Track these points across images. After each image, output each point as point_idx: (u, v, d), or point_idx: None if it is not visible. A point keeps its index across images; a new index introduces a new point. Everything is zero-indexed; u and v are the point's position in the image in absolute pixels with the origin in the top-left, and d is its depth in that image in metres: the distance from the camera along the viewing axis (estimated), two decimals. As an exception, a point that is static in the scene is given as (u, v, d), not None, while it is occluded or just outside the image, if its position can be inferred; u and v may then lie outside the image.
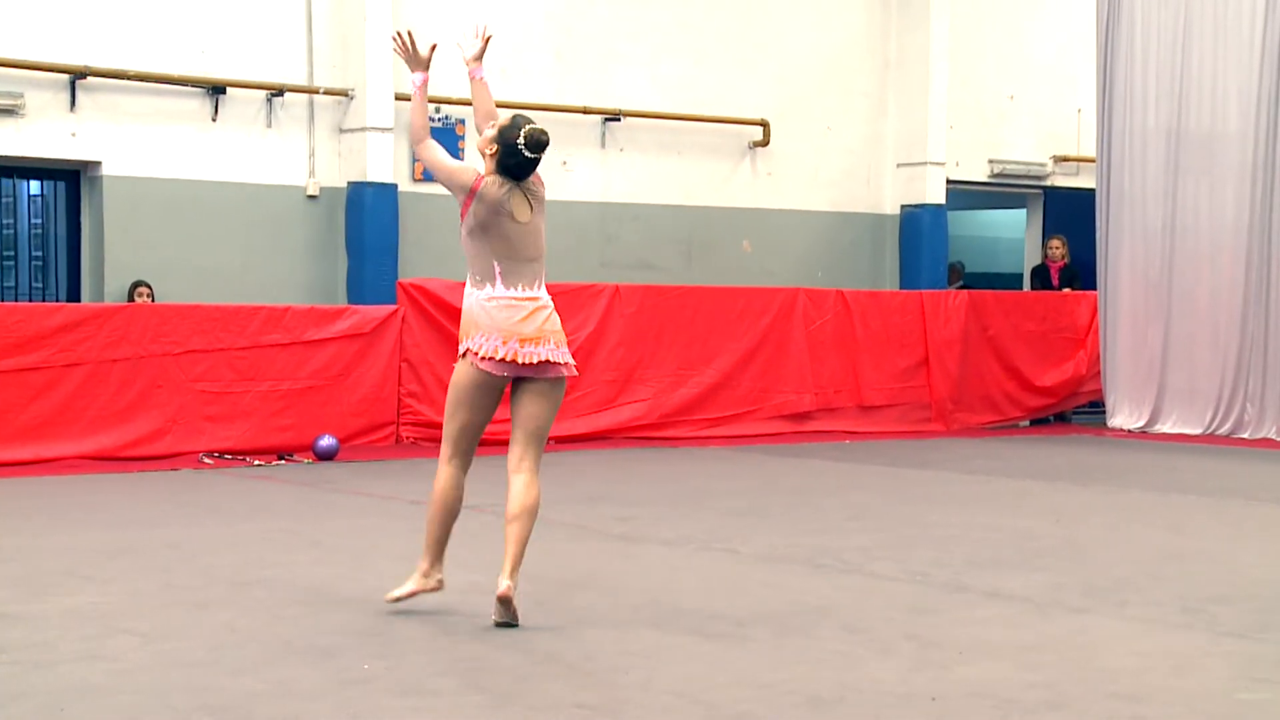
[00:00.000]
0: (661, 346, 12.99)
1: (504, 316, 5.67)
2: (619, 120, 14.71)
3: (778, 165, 15.69)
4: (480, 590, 5.95)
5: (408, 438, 11.83)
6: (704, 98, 15.18)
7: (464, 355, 5.73)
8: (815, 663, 5.19)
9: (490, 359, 5.65)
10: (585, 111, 14.52)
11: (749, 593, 6.42)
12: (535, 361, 5.66)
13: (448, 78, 13.80)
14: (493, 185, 5.73)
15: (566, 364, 5.75)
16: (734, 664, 5.15)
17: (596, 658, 5.20)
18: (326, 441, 11.08)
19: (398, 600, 5.79)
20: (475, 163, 6.11)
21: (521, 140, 5.71)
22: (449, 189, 5.83)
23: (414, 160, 13.51)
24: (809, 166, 15.89)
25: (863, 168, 16.18)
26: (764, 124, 15.46)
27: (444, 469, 5.81)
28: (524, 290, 5.73)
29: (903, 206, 16.18)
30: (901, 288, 15.77)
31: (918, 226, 16.02)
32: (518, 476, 5.73)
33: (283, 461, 10.97)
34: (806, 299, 13.74)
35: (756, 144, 15.49)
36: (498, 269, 5.71)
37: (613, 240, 14.86)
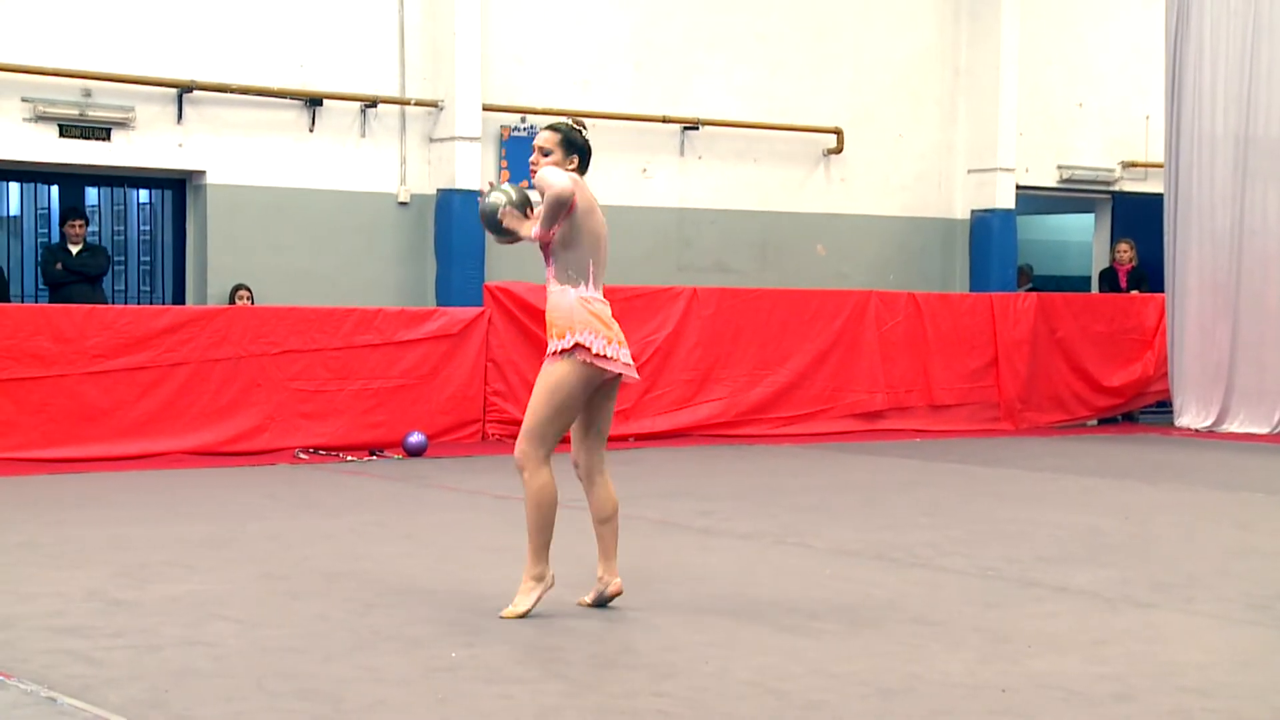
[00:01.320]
0: (738, 347, 12.94)
1: (604, 315, 5.56)
2: (697, 129, 14.67)
3: (851, 171, 15.59)
4: (562, 581, 5.93)
5: (493, 435, 11.86)
6: (780, 106, 15.11)
7: (569, 352, 5.46)
8: (885, 654, 5.13)
9: (603, 357, 5.49)
10: (665, 120, 14.50)
11: (822, 586, 6.37)
12: (628, 362, 5.59)
13: (530, 88, 13.84)
14: (583, 183, 5.68)
15: (634, 370, 5.66)
16: (806, 655, 5.11)
17: (675, 648, 5.17)
18: (416, 438, 11.13)
19: (525, 615, 5.46)
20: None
21: (585, 131, 5.74)
22: (562, 207, 5.53)
23: (499, 169, 13.57)
24: (881, 173, 15.77)
25: (934, 174, 16.04)
26: (838, 132, 15.36)
27: (545, 469, 5.51)
28: (601, 291, 5.64)
29: (973, 211, 16.02)
30: (971, 291, 15.62)
31: (988, 231, 15.85)
32: (601, 477, 5.66)
33: (374, 457, 11.04)
34: (878, 301, 13.63)
35: (830, 151, 15.40)
36: (591, 268, 5.59)
37: (690, 244, 14.83)
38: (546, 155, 5.61)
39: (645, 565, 6.75)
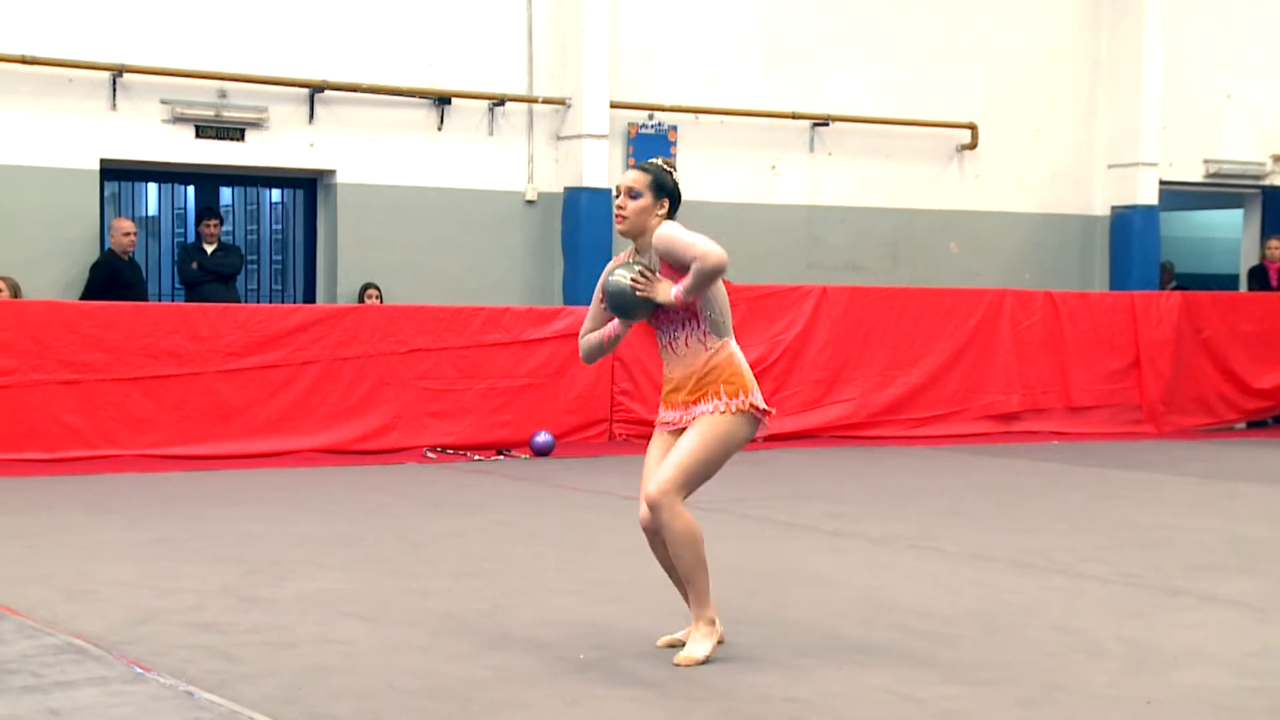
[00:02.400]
0: (868, 347, 12.83)
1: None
2: (827, 125, 14.58)
3: (985, 167, 15.38)
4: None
5: (620, 435, 11.90)
6: (912, 102, 14.96)
7: (747, 410, 5.06)
8: (1023, 663, 5.04)
9: (770, 414, 5.16)
10: (794, 117, 14.43)
11: (957, 591, 6.29)
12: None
13: (658, 85, 13.86)
14: None
15: None
16: (942, 662, 5.04)
17: (805, 653, 5.14)
18: (543, 437, 11.20)
19: (705, 660, 4.98)
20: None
21: (674, 172, 5.27)
22: (719, 276, 5.11)
23: (626, 166, 13.60)
24: (1017, 168, 15.54)
25: (1072, 169, 15.77)
26: (972, 127, 15.17)
27: (688, 514, 5.06)
28: None
29: (1113, 208, 15.72)
30: (1111, 289, 15.33)
31: (1129, 228, 15.54)
32: None
33: (501, 456, 11.13)
34: (1014, 300, 13.43)
35: (964, 147, 15.21)
36: (730, 321, 5.21)
37: (820, 242, 14.75)
38: (636, 198, 5.14)
39: (774, 568, 6.72)
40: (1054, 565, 6.89)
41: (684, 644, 5.13)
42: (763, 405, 5.11)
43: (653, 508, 5.01)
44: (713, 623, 5.04)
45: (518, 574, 6.53)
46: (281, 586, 6.14)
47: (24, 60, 11.62)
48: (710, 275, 5.02)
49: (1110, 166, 15.66)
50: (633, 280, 5.10)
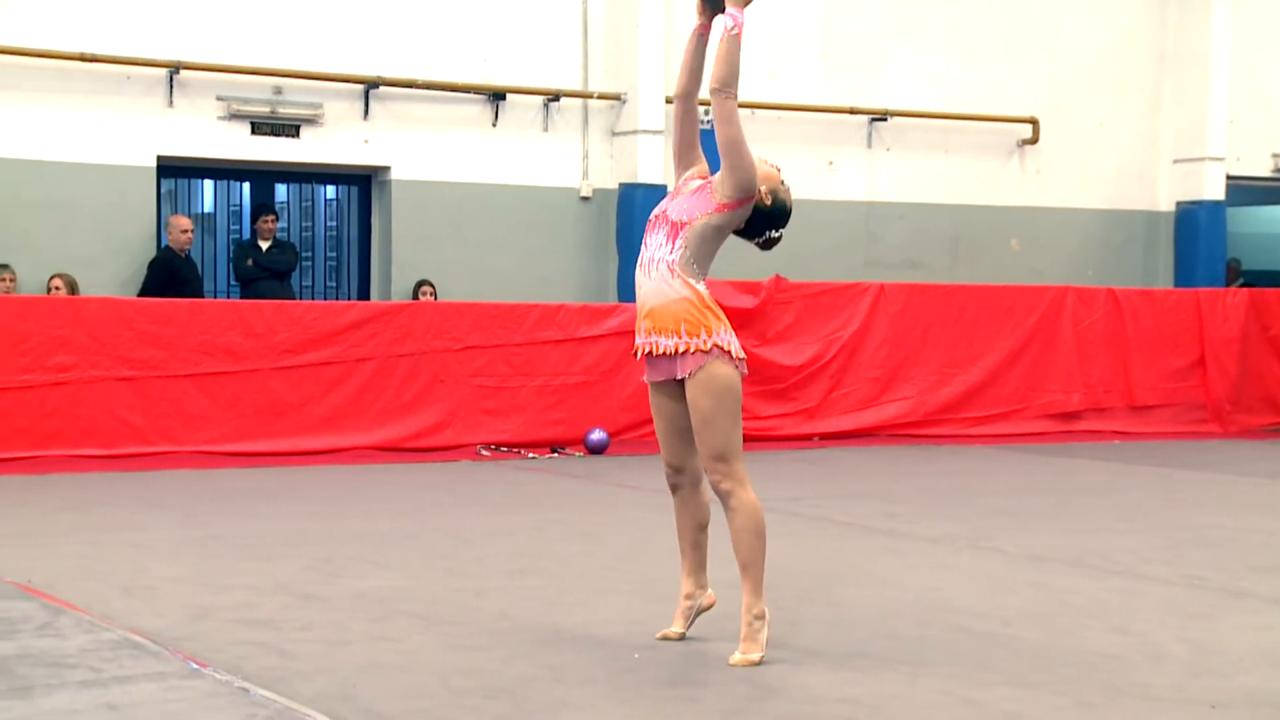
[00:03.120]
0: (926, 345, 12.78)
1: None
2: (886, 120, 14.53)
3: (1047, 163, 15.28)
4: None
5: (676, 433, 11.88)
6: (972, 96, 14.89)
7: (711, 352, 4.96)
8: (1084, 665, 5.02)
9: (742, 358, 5.08)
10: (852, 112, 14.40)
11: (1015, 592, 6.26)
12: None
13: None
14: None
15: None
16: (1000, 663, 5.02)
17: (861, 653, 5.13)
18: (598, 435, 11.23)
19: (761, 661, 4.94)
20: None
21: (783, 225, 5.24)
22: (734, 168, 5.03)
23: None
24: (1079, 164, 15.43)
25: (1136, 164, 15.64)
26: (1033, 121, 15.07)
27: (754, 496, 5.02)
28: None
29: (1178, 203, 15.58)
30: (1176, 286, 15.18)
31: (1194, 224, 15.39)
32: (701, 481, 5.25)
33: (555, 454, 11.17)
34: (1076, 297, 13.33)
35: (1025, 142, 15.12)
36: (707, 272, 5.12)
37: (878, 239, 14.70)
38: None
39: (829, 568, 6.72)
40: (1115, 566, 6.85)
41: (681, 636, 5.20)
42: (726, 345, 4.99)
43: (723, 495, 5.03)
44: (763, 616, 5.00)
45: (571, 573, 6.56)
46: (335, 584, 6.19)
47: (82, 58, 11.77)
48: (731, 115, 5.07)
49: (1176, 161, 15.52)
50: None
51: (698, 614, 5.30)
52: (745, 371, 5.08)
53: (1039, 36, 15.19)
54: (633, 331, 5.23)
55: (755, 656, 4.94)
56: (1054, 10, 15.25)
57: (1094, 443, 12.64)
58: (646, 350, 5.09)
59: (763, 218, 5.18)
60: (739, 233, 5.19)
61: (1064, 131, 15.26)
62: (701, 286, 5.05)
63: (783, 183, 5.26)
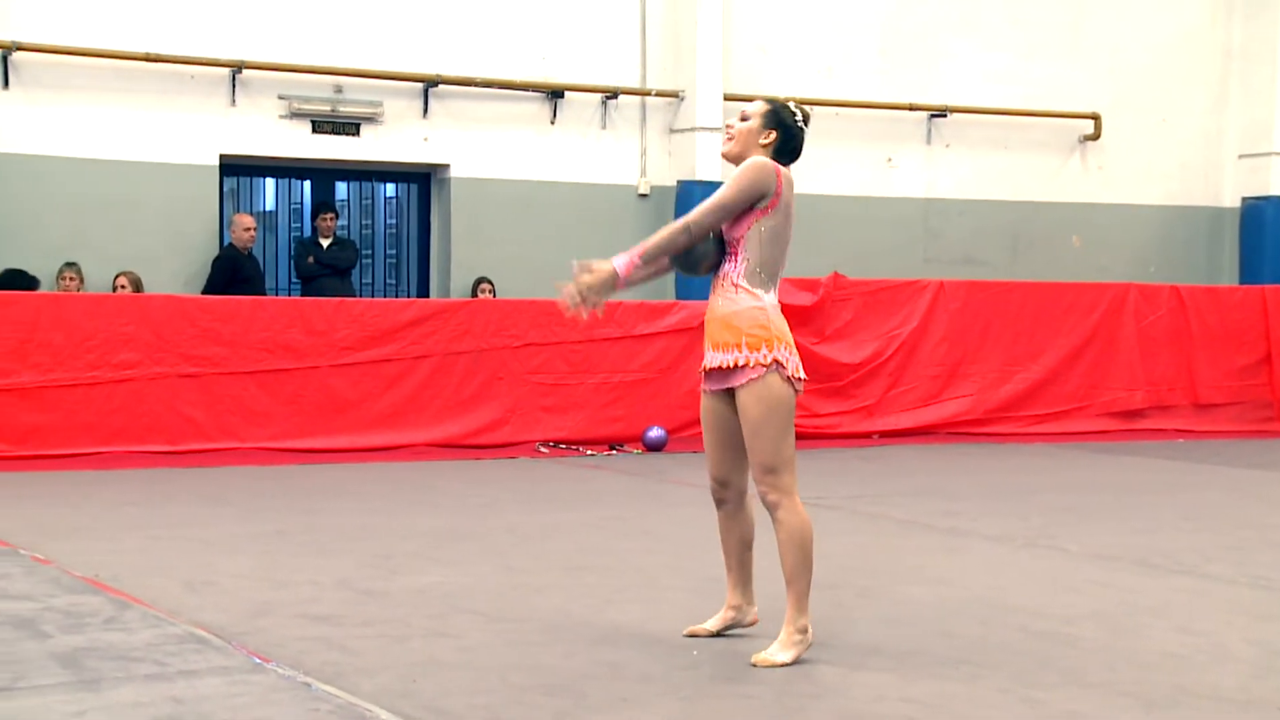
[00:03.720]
0: (986, 342, 12.69)
1: (787, 326, 5.04)
2: (945, 116, 14.45)
3: (1109, 159, 15.15)
4: (821, 583, 5.89)
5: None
6: (1033, 92, 14.78)
7: (770, 367, 4.90)
8: (1148, 665, 4.97)
9: (800, 379, 4.99)
10: (911, 108, 14.33)
11: (1077, 591, 6.21)
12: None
13: (772, 76, 13.82)
14: (787, 175, 5.02)
15: None
16: (1062, 662, 4.98)
17: (920, 651, 5.11)
18: (656, 433, 11.24)
19: (784, 666, 4.89)
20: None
21: (799, 117, 5.05)
22: (746, 202, 4.94)
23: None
24: (1143, 160, 15.29)
25: (1200, 160, 15.48)
26: (1095, 117, 14.95)
27: (803, 511, 4.97)
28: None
29: (1244, 199, 15.40)
30: (1242, 283, 15.00)
31: (1260, 219, 15.21)
32: (749, 498, 5.22)
33: (614, 452, 11.18)
34: (1138, 294, 13.21)
35: (1087, 138, 15.00)
36: (779, 273, 5.03)
37: (938, 236, 14.62)
38: (745, 121, 5.06)
39: (889, 566, 6.69)
40: (1179, 566, 6.78)
41: (711, 633, 5.20)
42: (784, 361, 4.93)
43: (770, 506, 4.99)
44: (805, 631, 4.93)
45: (629, 570, 6.56)
46: (395, 580, 6.23)
47: (147, 58, 11.90)
48: (671, 243, 4.93)
49: (1241, 157, 15.35)
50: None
51: (736, 626, 5.26)
52: (800, 391, 5.02)
53: (1101, 31, 15.06)
54: (691, 328, 5.23)
55: (781, 660, 4.87)
56: (1117, 5, 15.12)
57: (1157, 441, 12.51)
58: (714, 365, 5.03)
59: (796, 135, 5.07)
60: (795, 156, 5.09)
61: (1127, 127, 15.12)
62: (769, 297, 4.99)
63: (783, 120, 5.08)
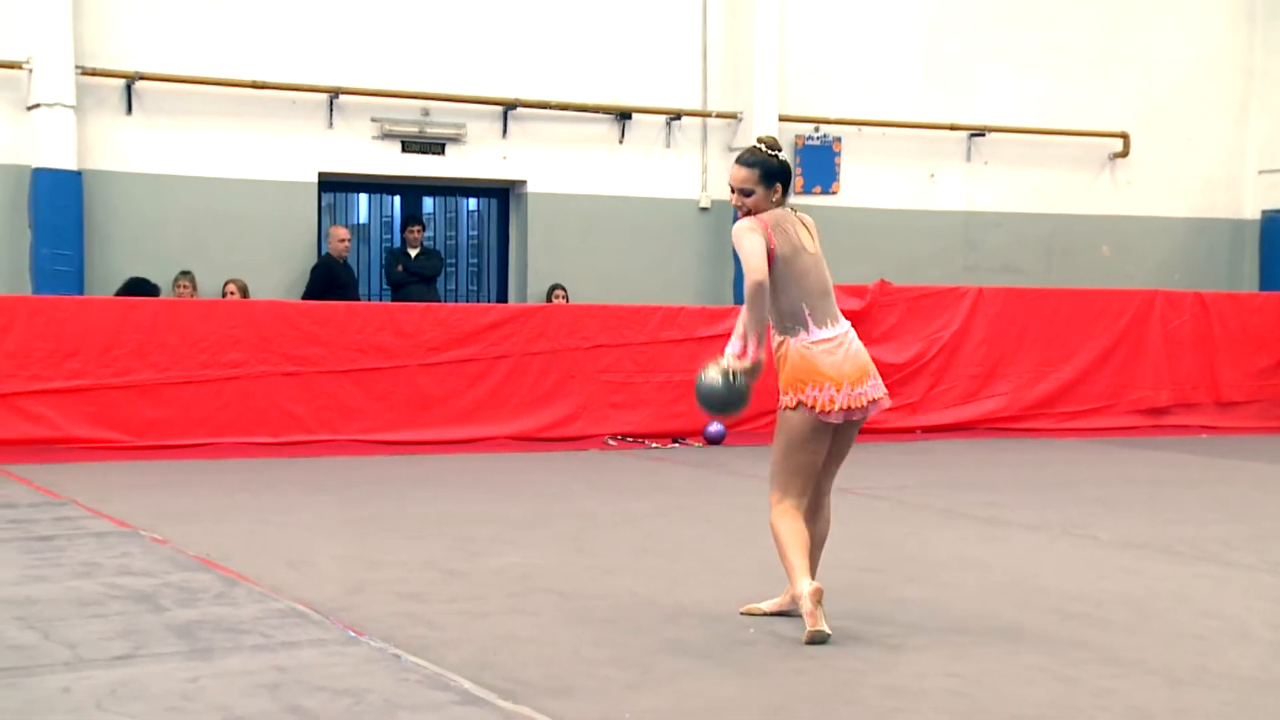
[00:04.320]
0: (1022, 344, 12.57)
1: (829, 362, 4.95)
2: (984, 135, 14.34)
3: (1137, 174, 14.98)
4: (868, 568, 5.87)
5: (787, 425, 11.82)
6: (1066, 112, 14.64)
7: (795, 408, 4.97)
8: (1174, 646, 4.90)
9: (829, 411, 4.96)
10: (952, 128, 14.23)
11: (1108, 577, 6.13)
12: (865, 404, 5.02)
13: (823, 98, 13.76)
14: (776, 220, 4.97)
15: (884, 396, 5.10)
16: (1094, 643, 4.92)
17: (963, 631, 5.06)
18: (716, 427, 11.21)
19: (760, 615, 5.18)
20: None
21: (764, 148, 4.99)
22: (759, 254, 4.90)
23: (794, 176, 13.56)
24: (1168, 175, 15.10)
25: (1222, 175, 15.26)
26: (1124, 136, 14.78)
27: (782, 509, 5.00)
28: (832, 327, 5.00)
29: (1264, 212, 15.17)
30: (1261, 290, 14.79)
31: (1278, 231, 14.96)
32: (823, 506, 5.22)
33: (677, 444, 11.17)
34: (1164, 300, 13.03)
35: (1116, 155, 14.83)
36: (806, 311, 4.97)
37: (977, 246, 14.51)
38: (748, 195, 4.96)
39: (931, 553, 6.64)
40: (1204, 554, 6.68)
41: (765, 613, 5.21)
42: (809, 404, 4.95)
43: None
44: (797, 598, 4.89)
45: (692, 554, 6.55)
46: (477, 561, 6.25)
47: (254, 85, 12.03)
48: (748, 297, 4.92)
49: (1261, 172, 15.13)
50: (729, 373, 4.95)
51: (791, 613, 5.19)
52: (824, 421, 4.98)
53: (1130, 55, 14.88)
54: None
55: (761, 609, 5.14)
56: (1145, 30, 14.94)
57: (1182, 437, 12.34)
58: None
59: (785, 169, 5.02)
60: (784, 181, 5.02)
61: (1154, 144, 14.94)
62: (796, 341, 4.99)
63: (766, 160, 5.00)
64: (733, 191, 5.05)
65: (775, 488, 5.06)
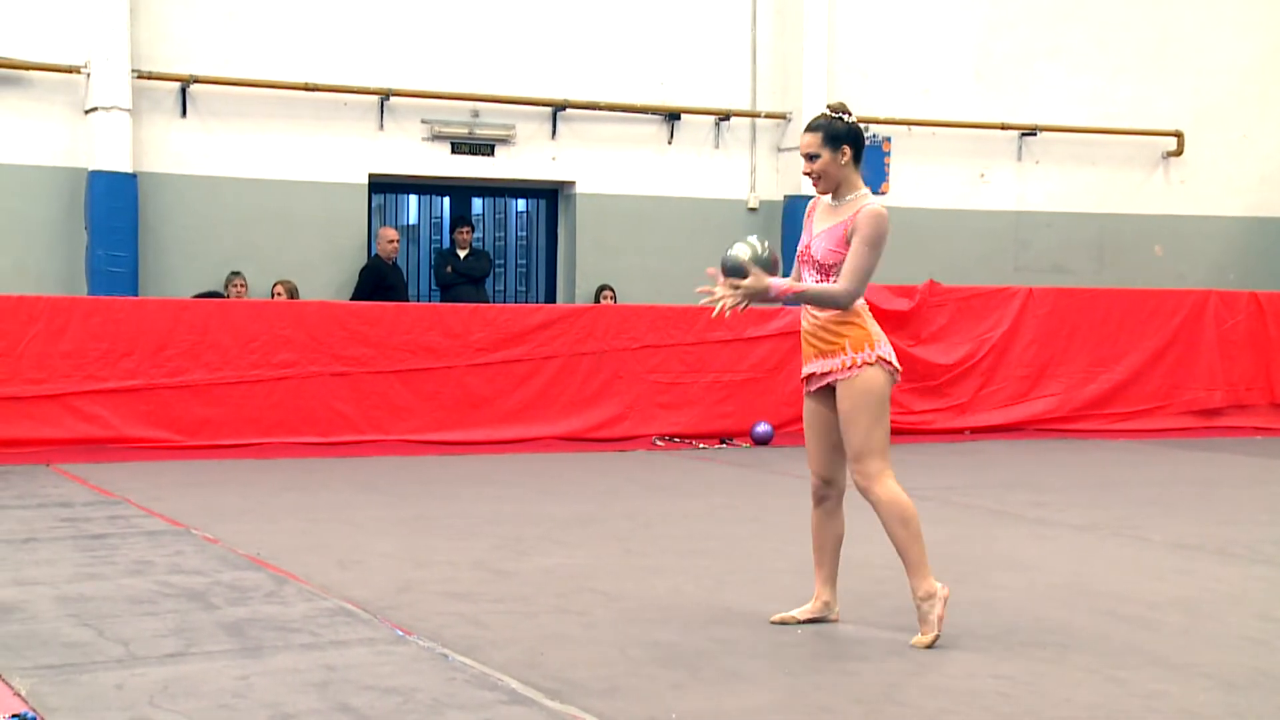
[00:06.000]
0: (1073, 345, 12.46)
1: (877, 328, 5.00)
2: (1035, 135, 14.22)
3: (1191, 173, 14.81)
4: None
5: (836, 426, 11.78)
6: (1119, 111, 14.50)
7: (875, 363, 4.85)
8: (1228, 648, 4.84)
9: (897, 369, 4.96)
10: (1003, 128, 14.13)
11: (1160, 578, 6.06)
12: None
13: (873, 98, 13.70)
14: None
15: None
16: (1145, 645, 4.87)
17: (1012, 631, 5.02)
18: (763, 427, 11.19)
19: (933, 644, 4.79)
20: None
21: (843, 115, 4.90)
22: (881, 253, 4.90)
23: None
24: (1223, 174, 14.92)
25: (1278, 174, 15.05)
26: (1178, 135, 14.62)
27: (893, 480, 4.88)
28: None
29: (1321, 210, 14.96)
30: (1318, 290, 14.58)
31: (1335, 230, 14.77)
32: (842, 499, 5.18)
33: (724, 445, 11.15)
34: (1218, 300, 12.88)
35: (1170, 154, 14.67)
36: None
37: (1028, 246, 14.39)
38: (814, 159, 4.90)
39: (982, 553, 6.59)
40: (1259, 556, 6.59)
41: (798, 621, 5.06)
42: (888, 357, 4.90)
43: (863, 492, 4.94)
44: (930, 596, 4.82)
45: (740, 554, 6.53)
46: (525, 561, 6.26)
47: (305, 87, 12.12)
48: (830, 304, 4.88)
49: (1317, 170, 14.91)
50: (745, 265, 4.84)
51: (822, 619, 5.14)
52: (897, 379, 4.95)
53: (1184, 53, 14.72)
54: (795, 332, 5.16)
55: (927, 639, 4.78)
56: (1200, 28, 14.77)
57: (1236, 438, 12.19)
58: (818, 372, 4.98)
59: (857, 131, 4.95)
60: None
61: (1208, 143, 14.77)
62: (859, 302, 4.97)
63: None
64: (804, 159, 4.99)
65: (875, 456, 4.83)
